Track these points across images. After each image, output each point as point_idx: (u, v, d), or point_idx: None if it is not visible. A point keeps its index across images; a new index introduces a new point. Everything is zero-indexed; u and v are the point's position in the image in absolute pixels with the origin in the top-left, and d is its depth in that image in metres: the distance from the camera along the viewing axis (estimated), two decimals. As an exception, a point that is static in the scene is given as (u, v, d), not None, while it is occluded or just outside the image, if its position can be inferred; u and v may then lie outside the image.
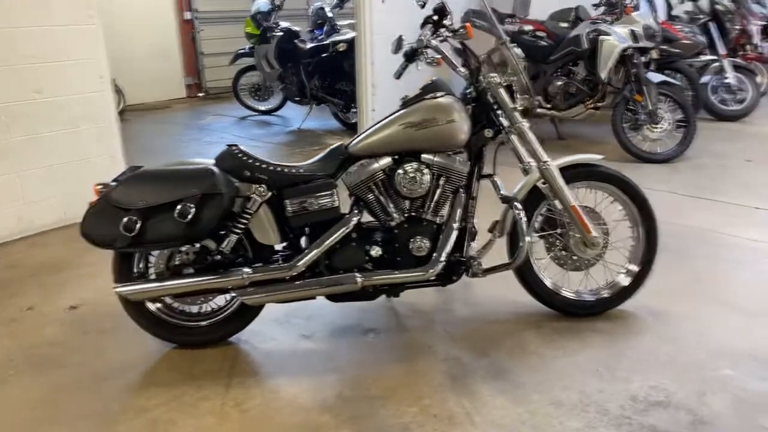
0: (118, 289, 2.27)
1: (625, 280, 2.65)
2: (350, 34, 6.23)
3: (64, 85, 3.75)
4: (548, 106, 5.46)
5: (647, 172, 4.72)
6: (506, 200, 2.45)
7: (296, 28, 6.86)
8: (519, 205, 2.39)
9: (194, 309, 2.49)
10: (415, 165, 2.36)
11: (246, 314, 2.46)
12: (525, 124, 2.45)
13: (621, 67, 5.10)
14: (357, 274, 2.35)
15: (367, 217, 2.48)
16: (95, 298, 2.90)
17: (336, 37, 6.51)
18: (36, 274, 3.23)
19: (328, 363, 2.36)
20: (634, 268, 2.64)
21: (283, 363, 2.37)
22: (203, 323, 2.46)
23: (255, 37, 6.87)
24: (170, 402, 2.15)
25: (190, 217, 2.10)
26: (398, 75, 2.65)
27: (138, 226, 2.10)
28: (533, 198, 2.54)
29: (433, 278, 2.40)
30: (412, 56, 2.58)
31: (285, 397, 2.17)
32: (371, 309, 2.73)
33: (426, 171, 2.36)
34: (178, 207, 2.10)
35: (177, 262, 2.37)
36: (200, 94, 9.32)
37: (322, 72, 6.55)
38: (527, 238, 2.37)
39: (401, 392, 2.17)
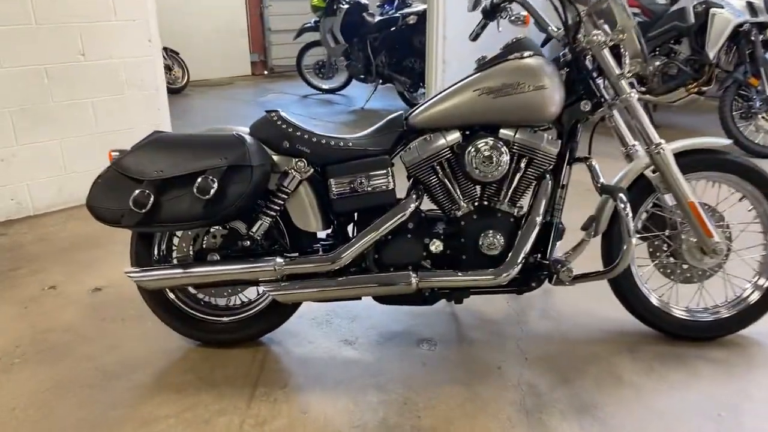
0: (130, 275, 1.93)
1: (752, 298, 2.09)
2: (421, 7, 5.76)
3: (109, 48, 3.49)
4: (643, 89, 4.81)
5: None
6: (607, 190, 1.94)
7: (365, 1, 6.44)
8: (624, 197, 1.88)
9: (221, 302, 2.14)
10: (491, 141, 1.90)
11: (280, 311, 2.08)
12: (634, 96, 1.94)
13: (733, 45, 4.40)
14: (412, 273, 1.92)
15: (427, 204, 2.04)
16: (123, 281, 2.59)
17: (406, 10, 6.06)
18: (67, 249, 2.97)
19: (372, 378, 1.95)
20: (765, 282, 2.08)
21: (318, 373, 1.98)
22: (229, 318, 2.10)
23: (321, 10, 6.50)
24: (182, 413, 1.79)
25: (212, 193, 1.73)
26: (475, 36, 2.19)
27: (151, 201, 1.74)
28: (637, 190, 2.02)
29: (506, 283, 1.93)
30: (492, 13, 2.11)
31: (316, 418, 1.77)
32: (427, 314, 2.30)
33: (504, 150, 1.90)
34: (199, 180, 1.73)
35: (203, 246, 2.01)
36: (265, 72, 9.10)
37: (390, 48, 6.12)
38: (633, 240, 1.86)
39: (460, 425, 1.73)
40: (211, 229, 2.01)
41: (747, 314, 2.10)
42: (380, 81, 6.35)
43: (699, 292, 2.13)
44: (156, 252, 2.05)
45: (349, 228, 2.06)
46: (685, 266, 2.08)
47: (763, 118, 4.25)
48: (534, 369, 1.98)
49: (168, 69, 7.46)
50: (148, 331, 2.21)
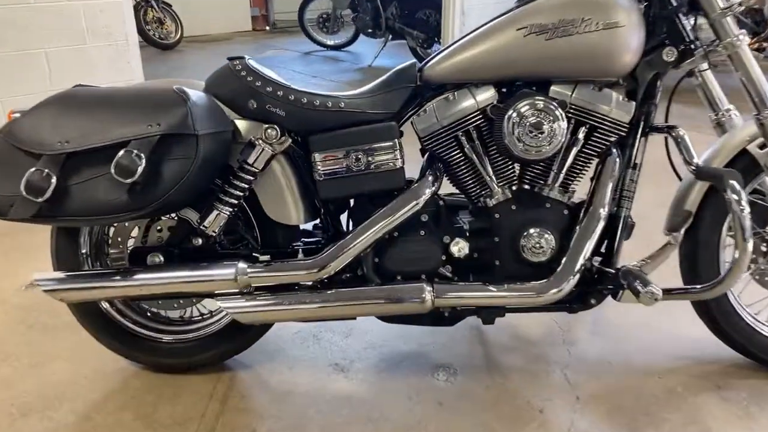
0: (38, 283, 1.41)
1: None
2: (438, -50, 5.10)
3: (65, -13, 2.91)
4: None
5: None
6: (708, 174, 1.38)
7: (373, -55, 5.76)
8: (737, 185, 1.32)
9: (173, 313, 1.62)
10: (540, 103, 1.34)
11: (248, 329, 1.56)
12: (743, 40, 1.36)
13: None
14: (426, 286, 1.39)
15: (447, 188, 1.51)
16: (65, 273, 2.09)
17: (420, -45, 5.40)
18: (9, 233, 2.46)
19: (375, 424, 1.44)
20: None
21: (298, 415, 1.47)
22: (182, 337, 1.59)
23: (325, -45, 5.84)
24: (106, 477, 1.30)
25: (138, 174, 1.19)
26: None
27: (52, 184, 1.21)
28: (742, 170, 1.46)
29: (555, 301, 1.40)
30: None
31: (290, 490, 1.27)
32: (445, 330, 1.77)
33: (560, 114, 1.34)
34: (120, 155, 1.19)
35: (143, 242, 1.49)
36: (267, 27, 8.46)
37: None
38: (749, 245, 1.31)
39: (491, 506, 1.22)
40: (155, 221, 1.49)
41: None
42: (390, 36, 5.73)
43: (810, 308, 1.59)
44: (85, 247, 1.52)
45: (343, 219, 1.54)
46: (792, 276, 1.54)
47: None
48: (588, 414, 1.46)
49: (159, 22, 6.86)
50: (81, 343, 1.69)
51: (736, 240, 1.31)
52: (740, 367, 1.60)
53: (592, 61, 1.34)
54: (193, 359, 1.58)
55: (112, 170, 1.19)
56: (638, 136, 1.45)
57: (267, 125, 1.37)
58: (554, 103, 1.35)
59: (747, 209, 1.29)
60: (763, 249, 1.54)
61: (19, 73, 2.89)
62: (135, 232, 1.53)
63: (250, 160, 1.36)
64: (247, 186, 1.39)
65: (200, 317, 1.61)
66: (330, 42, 6.61)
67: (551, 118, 1.34)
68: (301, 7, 6.51)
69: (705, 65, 1.47)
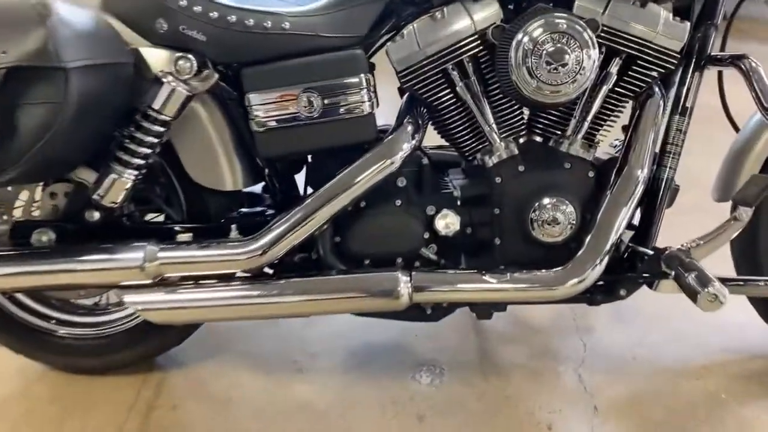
0: None
1: None
2: None
3: None
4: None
5: None
6: None
7: None
8: None
9: (86, 301, 1.28)
10: (563, 21, 0.96)
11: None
12: None
13: None
14: (402, 276, 1.04)
15: (433, 139, 1.14)
16: None
17: None
18: None
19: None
20: None
21: (237, 427, 1.15)
22: (91, 331, 1.25)
23: None
24: None
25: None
26: None
27: None
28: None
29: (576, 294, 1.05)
30: None
31: None
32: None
33: (588, 37, 0.96)
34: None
35: (30, 214, 1.13)
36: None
37: None
38: None
39: None
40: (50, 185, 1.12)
41: None
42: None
43: None
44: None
45: (300, 181, 1.18)
46: None
47: None
48: (611, 421, 1.14)
49: None
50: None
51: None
52: (798, 367, 1.28)
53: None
54: (109, 359, 1.24)
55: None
56: (691, 69, 1.08)
57: (179, 54, 0.98)
58: (581, 23, 0.96)
59: None
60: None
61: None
62: (25, 196, 1.16)
63: (156, 105, 0.98)
64: (155, 140, 1.01)
65: (116, 306, 1.26)
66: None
67: (576, 44, 0.96)
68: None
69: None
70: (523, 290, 1.04)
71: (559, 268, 1.03)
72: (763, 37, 3.73)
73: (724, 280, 1.04)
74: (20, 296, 1.23)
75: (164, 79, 0.98)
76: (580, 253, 1.03)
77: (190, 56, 0.98)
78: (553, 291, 1.03)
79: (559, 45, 0.96)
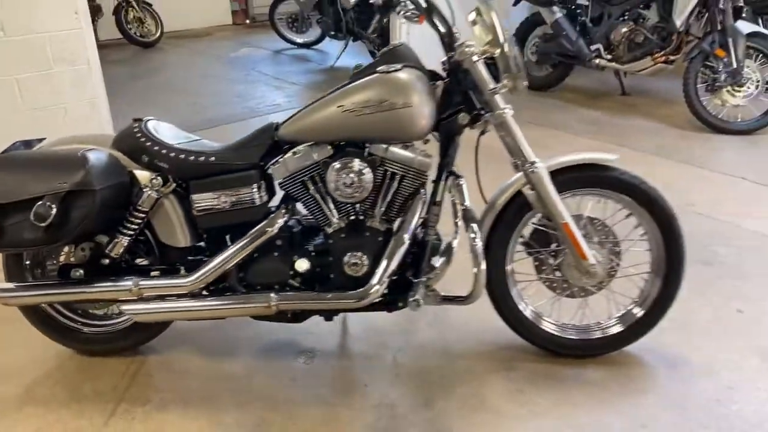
0: (-13, 292, 1.91)
1: (618, 326, 2.05)
2: (389, -38, 5.46)
3: (31, 22, 3.36)
4: (609, 57, 4.59)
5: (719, 147, 3.88)
6: (465, 218, 1.87)
7: (335, -47, 6.13)
8: (476, 227, 1.82)
9: (98, 311, 2.13)
10: (350, 161, 1.81)
11: (148, 325, 2.07)
12: (508, 112, 1.82)
13: (705, 12, 4.14)
14: (273, 295, 1.88)
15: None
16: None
17: (375, -35, 5.76)
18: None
19: (238, 396, 1.95)
20: (638, 311, 2.02)
21: (186, 390, 1.98)
22: (102, 329, 2.10)
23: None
24: None
25: (50, 219, 1.68)
26: (373, 30, 2.08)
27: (-9, 226, 1.70)
28: (517, 206, 1.94)
29: (366, 305, 1.88)
30: (385, 7, 1.98)
31: (168, 440, 1.78)
32: (318, 320, 2.25)
33: (367, 171, 1.81)
34: (36, 206, 1.68)
35: (71, 260, 1.98)
36: (247, 21, 8.84)
37: (359, 3, 5.85)
38: (482, 267, 1.81)
39: (306, 452, 1.74)
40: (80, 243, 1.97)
41: (617, 339, 2.05)
42: (351, 38, 6.13)
43: (582, 308, 2.08)
44: (27, 260, 2.02)
45: (228, 239, 2.02)
46: (565, 284, 2.02)
47: (728, 91, 4.04)
48: (401, 387, 1.96)
49: (140, 21, 7.28)
50: (34, 334, 2.20)
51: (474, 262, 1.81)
52: (531, 352, 2.09)
53: (393, 131, 1.78)
54: (111, 346, 2.10)
55: (31, 217, 1.68)
56: (442, 180, 1.93)
57: (153, 175, 1.85)
58: (364, 163, 1.80)
59: (480, 244, 1.83)
60: (551, 263, 2.02)
61: (-6, 97, 3.36)
62: (67, 248, 2.02)
63: (139, 203, 1.85)
64: (139, 221, 1.87)
65: (116, 315, 2.11)
66: (299, 40, 7.02)
67: (360, 174, 1.79)
68: (272, 7, 6.91)
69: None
70: (339, 303, 1.87)
71: (359, 290, 1.86)
72: (646, 112, 4.60)
73: (448, 298, 1.88)
74: (59, 306, 2.08)
75: (143, 189, 1.84)
76: (369, 283, 1.85)
77: (158, 177, 1.84)
78: (357, 303, 1.85)
79: (349, 174, 1.79)
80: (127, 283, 1.87)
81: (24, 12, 3.34)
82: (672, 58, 4.34)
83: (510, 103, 1.82)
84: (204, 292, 1.94)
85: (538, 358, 2.07)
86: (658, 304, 1.99)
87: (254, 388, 1.98)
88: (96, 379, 2.03)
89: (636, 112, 4.56)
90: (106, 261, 1.93)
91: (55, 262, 2.01)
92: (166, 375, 2.05)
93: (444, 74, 1.89)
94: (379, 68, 1.82)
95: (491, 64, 1.81)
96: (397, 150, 1.83)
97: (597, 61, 4.60)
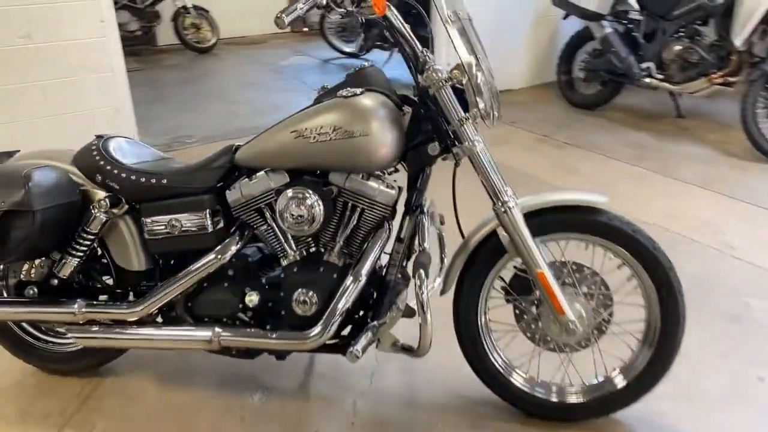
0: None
1: (616, 382, 1.79)
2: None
3: (57, 30, 3.43)
4: (660, 76, 4.23)
5: (776, 181, 3.47)
6: (416, 264, 1.68)
7: (383, -38, 6.02)
8: (423, 273, 1.62)
9: (61, 329, 2.08)
10: (302, 191, 1.66)
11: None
12: (478, 145, 1.63)
13: (769, 30, 3.75)
14: (217, 329, 1.76)
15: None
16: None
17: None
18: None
19: (183, 429, 1.84)
20: (629, 373, 1.77)
21: (130, 417, 1.90)
22: (55, 349, 2.06)
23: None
24: (-23, 452, 1.78)
25: (-14, 239, 1.64)
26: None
27: (-66, 244, 1.67)
28: (492, 248, 1.74)
29: (316, 348, 1.73)
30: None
31: (97, 475, 1.70)
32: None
33: (316, 203, 1.66)
34: (-27, 225, 1.64)
35: (31, 276, 1.95)
36: (305, 29, 8.87)
37: (404, 13, 5.70)
38: (428, 318, 1.62)
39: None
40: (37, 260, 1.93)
41: (608, 401, 1.80)
42: (396, 48, 5.99)
43: (566, 364, 1.84)
44: (-9, 277, 2.01)
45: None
46: (547, 336, 1.79)
47: (791, 118, 3.62)
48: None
49: (196, 27, 7.43)
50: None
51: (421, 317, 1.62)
52: (504, 411, 1.87)
53: (350, 160, 1.62)
54: (68, 366, 2.05)
55: (-32, 236, 1.64)
56: (411, 214, 1.75)
57: (101, 196, 1.77)
58: (310, 192, 1.65)
59: (426, 292, 1.62)
60: (531, 311, 1.81)
61: (21, 102, 3.46)
62: (26, 265, 1.98)
63: (87, 225, 1.78)
64: (88, 242, 1.80)
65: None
66: (347, 49, 6.96)
67: (310, 206, 1.64)
68: (322, 16, 6.89)
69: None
70: (287, 343, 1.72)
71: (308, 330, 1.71)
72: (699, 137, 4.20)
73: (402, 347, 1.70)
74: (24, 324, 2.05)
75: (92, 210, 1.77)
76: (319, 323, 1.70)
77: (106, 198, 1.76)
78: (304, 345, 1.70)
79: (299, 206, 1.65)
80: (73, 307, 1.81)
81: (50, 20, 3.41)
82: (731, 79, 3.94)
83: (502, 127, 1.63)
84: (159, 319, 1.85)
85: (509, 417, 1.85)
86: (643, 377, 1.73)
87: (200, 423, 1.87)
88: (48, 399, 1.98)
89: (688, 137, 4.18)
90: (55, 282, 1.87)
91: (13, 277, 1.98)
92: (116, 400, 1.97)
93: (416, 99, 1.72)
94: (340, 92, 1.67)
95: (462, 90, 1.63)
96: (358, 180, 1.68)
97: (647, 80, 4.26)
